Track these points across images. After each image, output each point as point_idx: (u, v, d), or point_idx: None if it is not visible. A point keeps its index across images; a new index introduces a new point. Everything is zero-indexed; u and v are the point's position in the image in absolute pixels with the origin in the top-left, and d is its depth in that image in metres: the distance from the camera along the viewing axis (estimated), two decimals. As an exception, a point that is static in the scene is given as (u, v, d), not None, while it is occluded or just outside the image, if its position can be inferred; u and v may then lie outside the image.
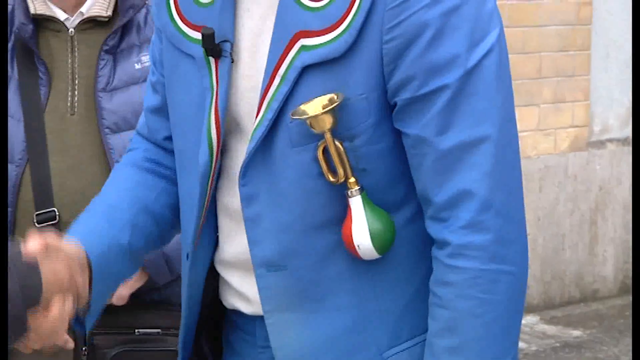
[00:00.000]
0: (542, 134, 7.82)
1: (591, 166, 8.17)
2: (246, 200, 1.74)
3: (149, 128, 2.06)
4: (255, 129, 1.70)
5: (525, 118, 7.50)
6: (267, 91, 1.70)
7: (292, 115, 1.63)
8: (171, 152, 2.08)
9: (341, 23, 1.62)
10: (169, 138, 2.04)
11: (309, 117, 1.62)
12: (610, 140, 8.49)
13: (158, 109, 2.02)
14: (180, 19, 1.86)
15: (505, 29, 1.61)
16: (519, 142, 1.68)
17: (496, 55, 1.63)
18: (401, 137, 1.66)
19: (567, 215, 7.92)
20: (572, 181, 7.98)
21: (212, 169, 1.79)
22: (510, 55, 1.83)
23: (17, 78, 2.88)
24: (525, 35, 7.61)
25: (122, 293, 2.57)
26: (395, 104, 1.62)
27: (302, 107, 1.65)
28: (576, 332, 7.53)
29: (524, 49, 7.44)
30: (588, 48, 8.00)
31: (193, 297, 1.93)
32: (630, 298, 6.81)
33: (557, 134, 7.88)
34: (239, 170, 1.74)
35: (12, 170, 2.64)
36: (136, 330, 2.83)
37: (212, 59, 1.77)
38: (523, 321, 3.96)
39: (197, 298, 1.95)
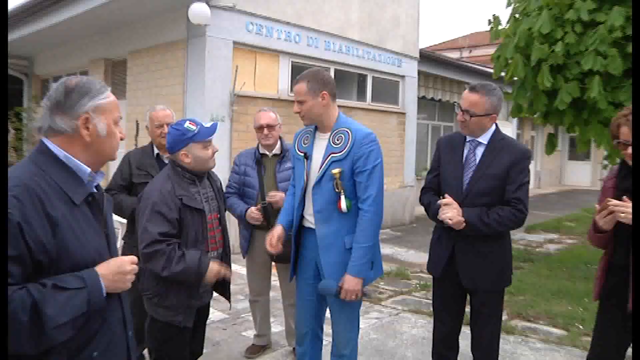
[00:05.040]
0: (389, 184, 10.76)
1: (403, 192, 11.62)
2: (314, 197, 2.95)
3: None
4: (317, 178, 2.92)
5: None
6: (321, 167, 2.91)
7: (331, 172, 2.85)
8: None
9: (342, 151, 2.87)
10: None
11: (334, 174, 2.84)
12: (409, 186, 11.72)
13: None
14: (297, 149, 3.11)
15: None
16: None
17: (381, 162, 2.90)
18: (354, 180, 2.88)
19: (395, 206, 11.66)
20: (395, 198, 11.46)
21: (304, 189, 3.00)
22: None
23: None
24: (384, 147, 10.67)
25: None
26: (354, 172, 2.86)
27: (332, 171, 2.85)
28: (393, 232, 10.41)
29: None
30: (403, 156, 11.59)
31: (293, 223, 3.08)
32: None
33: (391, 182, 11.07)
34: (311, 188, 2.95)
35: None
36: None
37: (305, 160, 3.02)
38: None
39: (296, 224, 3.08)
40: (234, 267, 4.11)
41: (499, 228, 2.93)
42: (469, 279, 3.05)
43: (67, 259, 1.60)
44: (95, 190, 1.80)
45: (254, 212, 3.89)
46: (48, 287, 1.51)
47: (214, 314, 4.99)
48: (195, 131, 2.81)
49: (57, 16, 9.27)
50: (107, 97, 1.79)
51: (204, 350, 3.22)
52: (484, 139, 3.05)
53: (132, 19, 8.89)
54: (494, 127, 3.07)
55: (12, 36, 11.11)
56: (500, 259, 3.06)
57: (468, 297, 3.23)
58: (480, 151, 3.05)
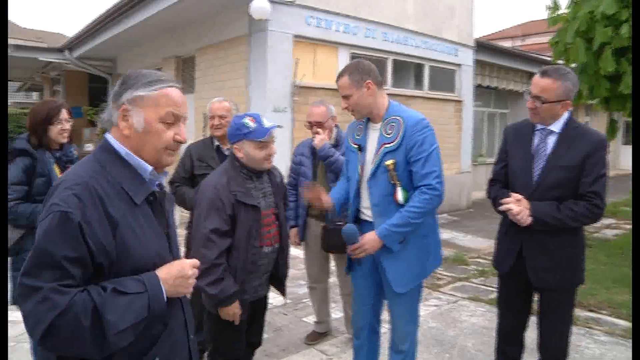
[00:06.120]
0: (446, 170, 9.98)
1: (460, 178, 11.28)
2: (370, 190, 2.66)
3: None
4: (371, 170, 2.62)
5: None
6: (374, 159, 2.62)
7: (385, 164, 2.55)
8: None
9: (394, 141, 2.55)
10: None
11: (388, 165, 2.55)
12: (465, 172, 11.41)
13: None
14: (350, 141, 2.82)
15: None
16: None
17: (437, 148, 2.54)
18: (410, 170, 2.54)
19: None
20: (455, 183, 10.86)
21: (359, 182, 2.72)
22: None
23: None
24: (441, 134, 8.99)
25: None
26: (409, 162, 2.52)
27: (386, 162, 2.55)
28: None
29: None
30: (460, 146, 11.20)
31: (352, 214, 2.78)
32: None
33: (448, 169, 10.50)
34: (366, 182, 2.66)
35: None
36: None
37: (359, 152, 2.73)
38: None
39: (352, 217, 2.79)
40: (295, 251, 3.92)
41: (572, 224, 2.54)
42: (538, 277, 2.67)
43: (128, 260, 1.43)
44: (157, 189, 1.60)
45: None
46: (108, 291, 1.35)
47: (276, 299, 4.79)
48: (251, 129, 2.56)
49: (134, 19, 9.44)
50: (156, 90, 1.51)
51: (266, 336, 3.09)
52: (556, 127, 2.63)
53: (199, 18, 8.86)
54: (567, 114, 2.64)
55: (98, 40, 11.55)
56: (572, 256, 2.66)
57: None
58: (552, 140, 2.63)
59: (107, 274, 1.40)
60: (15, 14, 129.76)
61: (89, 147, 14.88)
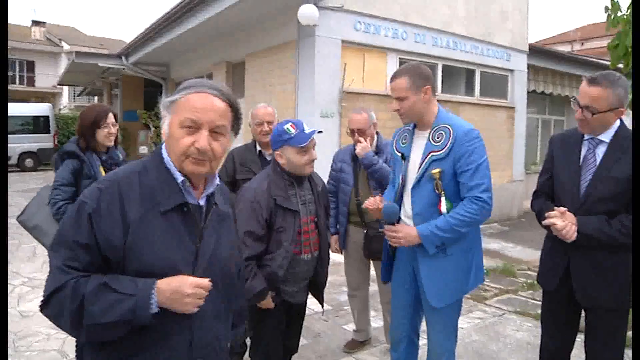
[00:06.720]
0: (497, 178, 9.88)
1: (511, 187, 11.03)
2: (413, 199, 2.59)
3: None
4: (416, 178, 2.56)
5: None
6: (420, 167, 2.54)
7: (431, 172, 2.49)
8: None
9: (443, 149, 2.48)
10: None
11: (433, 174, 2.48)
12: (517, 181, 11.12)
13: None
14: (396, 149, 2.77)
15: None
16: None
17: (486, 160, 2.47)
18: (457, 181, 2.48)
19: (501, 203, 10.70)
20: (504, 192, 10.74)
21: (398, 189, 2.67)
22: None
23: None
24: (492, 142, 9.10)
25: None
26: (456, 172, 2.46)
27: (432, 171, 2.49)
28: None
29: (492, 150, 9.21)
30: (512, 153, 10.90)
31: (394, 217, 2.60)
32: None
33: (499, 177, 10.39)
34: (410, 190, 2.60)
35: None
36: None
37: (403, 161, 2.68)
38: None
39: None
40: (337, 257, 3.90)
41: (623, 240, 2.35)
42: (586, 296, 2.51)
43: (134, 262, 1.44)
44: (193, 201, 1.56)
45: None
46: (99, 284, 1.40)
47: (317, 305, 4.71)
48: (292, 135, 2.58)
49: (185, 26, 9.66)
50: (182, 95, 1.52)
51: (304, 341, 3.07)
52: (606, 136, 2.47)
53: (248, 24, 8.99)
54: (618, 122, 2.47)
55: (152, 47, 11.93)
56: (625, 273, 2.46)
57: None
58: (601, 150, 2.48)
59: (115, 268, 1.44)
60: (80, 23, 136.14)
61: (144, 149, 15.35)
